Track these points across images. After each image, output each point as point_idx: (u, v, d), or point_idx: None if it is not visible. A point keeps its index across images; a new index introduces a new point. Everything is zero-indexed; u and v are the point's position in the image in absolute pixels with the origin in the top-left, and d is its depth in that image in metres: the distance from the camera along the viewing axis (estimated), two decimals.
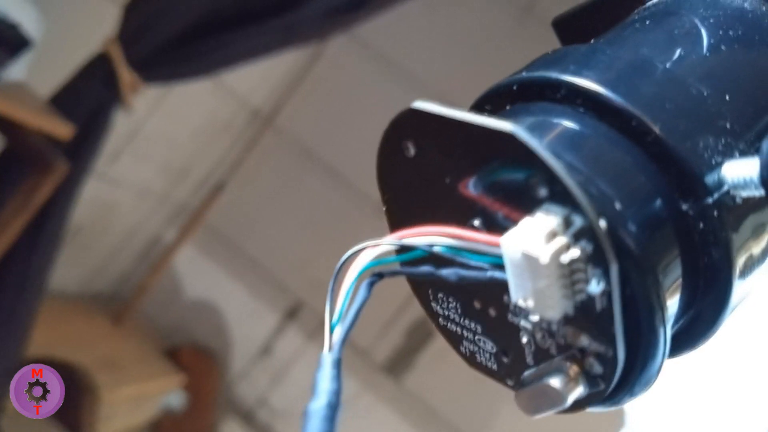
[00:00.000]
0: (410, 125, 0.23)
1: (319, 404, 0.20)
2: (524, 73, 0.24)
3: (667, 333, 0.21)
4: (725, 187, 0.22)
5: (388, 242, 0.23)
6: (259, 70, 1.71)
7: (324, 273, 2.10)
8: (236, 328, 2.19)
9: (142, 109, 1.71)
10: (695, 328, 0.25)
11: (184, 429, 2.05)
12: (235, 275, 2.19)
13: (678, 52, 0.25)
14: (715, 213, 0.22)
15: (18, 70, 1.29)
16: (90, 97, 1.34)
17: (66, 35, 1.48)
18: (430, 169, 0.23)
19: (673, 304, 0.23)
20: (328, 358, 0.21)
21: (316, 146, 2.16)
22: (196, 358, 2.12)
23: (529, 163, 0.20)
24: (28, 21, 1.26)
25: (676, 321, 0.24)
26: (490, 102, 0.25)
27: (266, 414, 2.15)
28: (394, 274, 0.23)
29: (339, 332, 0.22)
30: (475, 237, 0.22)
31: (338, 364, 0.21)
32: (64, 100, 1.32)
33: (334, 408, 0.20)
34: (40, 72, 1.39)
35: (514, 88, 0.24)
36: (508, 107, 0.25)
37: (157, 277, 2.12)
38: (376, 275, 0.23)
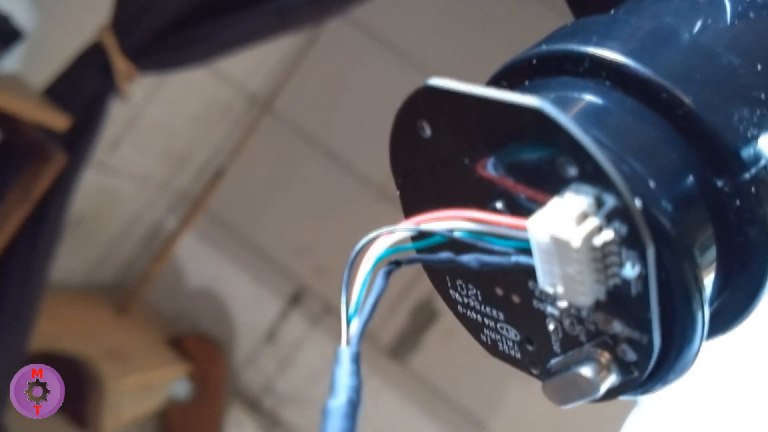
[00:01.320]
0: (425, 104, 0.21)
1: (338, 402, 0.19)
2: (544, 46, 0.23)
3: (705, 317, 0.20)
4: (763, 162, 0.20)
5: (404, 228, 0.21)
6: (255, 55, 1.69)
7: (327, 258, 2.09)
8: (240, 315, 2.19)
9: (139, 97, 1.70)
10: (728, 310, 0.23)
11: (191, 417, 2.04)
12: (238, 262, 2.18)
13: (702, 20, 0.23)
14: (753, 189, 0.20)
15: (11, 62, 1.27)
16: (85, 87, 1.32)
17: (59, 25, 1.46)
18: (447, 150, 0.22)
19: (708, 285, 0.22)
20: (346, 352, 0.20)
21: (315, 130, 2.15)
22: (201, 346, 2.11)
23: (557, 140, 0.18)
24: (20, 12, 1.24)
25: (710, 303, 0.23)
26: (506, 78, 0.24)
27: (272, 400, 2.14)
28: (411, 262, 0.22)
29: (356, 324, 0.20)
30: (499, 220, 0.20)
31: (357, 359, 0.20)
32: (59, 91, 1.31)
33: (354, 405, 0.19)
34: (34, 63, 1.37)
35: (534, 62, 0.23)
36: (526, 83, 0.24)
37: (160, 266, 2.11)
38: (393, 263, 0.22)
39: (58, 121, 1.26)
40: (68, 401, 1.68)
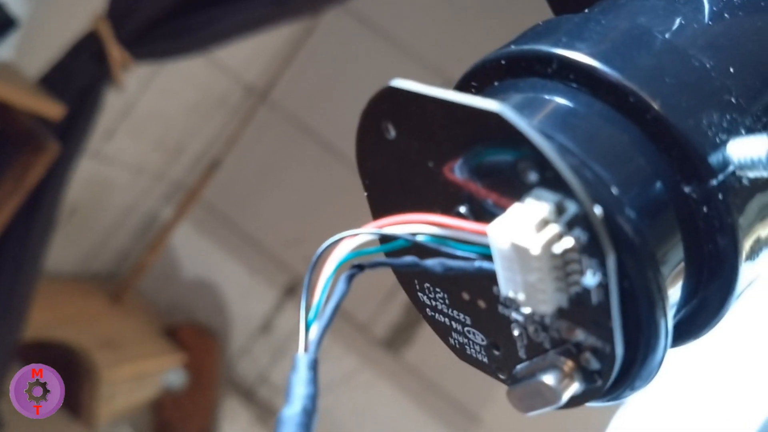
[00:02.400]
0: (389, 105, 0.21)
1: (293, 411, 0.19)
2: (513, 47, 0.22)
3: (668, 326, 0.19)
4: (731, 168, 0.20)
5: (367, 232, 0.21)
6: (251, 45, 1.68)
7: None
8: (235, 305, 2.18)
9: (135, 86, 1.69)
10: (699, 316, 0.23)
11: (185, 407, 2.04)
12: (233, 252, 2.17)
13: (678, 20, 0.23)
14: (720, 196, 0.20)
15: (5, 50, 1.27)
16: (80, 76, 1.32)
17: (53, 13, 1.45)
18: (411, 152, 0.21)
19: (675, 292, 0.21)
20: (303, 359, 0.19)
21: (311, 121, 2.14)
22: (196, 336, 2.11)
23: (518, 145, 0.18)
24: (13, 0, 1.24)
25: (678, 310, 0.22)
26: (476, 78, 0.24)
27: (267, 390, 2.14)
28: (375, 265, 0.21)
29: (315, 330, 0.20)
30: (460, 225, 0.20)
31: (314, 366, 0.19)
32: (53, 80, 1.30)
33: (309, 414, 0.19)
34: (28, 52, 1.36)
35: (502, 62, 0.22)
36: (496, 83, 0.23)
37: (155, 256, 2.11)
38: (355, 267, 0.21)
39: (52, 110, 1.25)
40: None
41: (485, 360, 0.24)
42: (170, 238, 2.14)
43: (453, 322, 0.24)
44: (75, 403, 1.72)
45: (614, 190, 0.19)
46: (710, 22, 0.23)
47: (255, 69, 2.14)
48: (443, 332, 0.25)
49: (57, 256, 1.61)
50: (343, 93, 2.11)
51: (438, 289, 0.24)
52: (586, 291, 0.19)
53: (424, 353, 2.03)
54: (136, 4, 1.33)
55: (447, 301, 0.24)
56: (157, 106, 1.88)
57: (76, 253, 1.99)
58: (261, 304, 2.16)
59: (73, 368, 1.70)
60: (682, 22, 0.23)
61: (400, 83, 0.20)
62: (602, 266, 0.18)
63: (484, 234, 0.19)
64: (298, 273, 2.13)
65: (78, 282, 2.01)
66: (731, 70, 0.21)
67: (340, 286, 0.20)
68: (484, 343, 0.24)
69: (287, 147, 2.15)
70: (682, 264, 0.21)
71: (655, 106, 0.20)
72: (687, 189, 0.20)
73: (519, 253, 0.18)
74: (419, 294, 0.25)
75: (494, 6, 1.97)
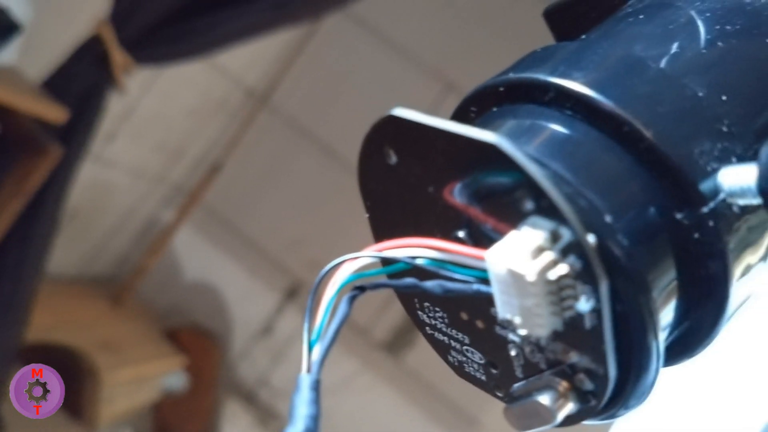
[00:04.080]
0: (390, 132, 0.22)
1: (295, 431, 0.19)
2: (511, 74, 0.23)
3: (660, 349, 0.20)
4: (721, 195, 0.21)
5: (367, 255, 0.22)
6: (252, 49, 1.69)
7: (322, 252, 2.09)
8: (236, 308, 2.19)
9: (136, 90, 1.69)
10: (693, 336, 0.24)
11: (185, 410, 2.05)
12: (234, 255, 2.18)
13: (673, 48, 0.23)
14: (711, 223, 0.20)
15: (8, 54, 1.27)
16: (82, 80, 1.32)
17: (56, 18, 1.46)
18: (412, 177, 0.22)
19: (668, 313, 0.22)
20: (306, 380, 0.20)
21: (311, 124, 2.15)
22: (196, 339, 2.11)
23: (515, 175, 0.19)
24: (16, 4, 1.24)
25: (672, 330, 0.23)
26: (476, 103, 0.24)
27: (267, 394, 2.15)
28: (376, 287, 0.22)
29: (318, 351, 0.21)
30: (459, 250, 0.21)
31: (317, 387, 0.20)
32: (56, 84, 1.31)
33: None
34: (31, 56, 1.37)
35: (501, 89, 0.23)
36: (494, 109, 0.24)
37: (155, 259, 2.11)
38: (357, 289, 0.22)
39: (54, 113, 1.26)
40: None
41: (483, 378, 0.25)
42: (171, 241, 2.14)
43: (452, 341, 0.25)
44: (75, 405, 1.73)
45: (607, 218, 0.19)
46: (705, 50, 0.23)
47: (255, 73, 2.14)
48: (442, 350, 0.26)
49: (58, 259, 1.62)
50: (343, 97, 2.12)
51: (437, 309, 0.24)
52: (580, 315, 0.19)
53: (424, 357, 2.04)
54: (138, 8, 1.34)
55: (446, 321, 0.24)
56: (158, 110, 1.89)
57: (77, 255, 1.99)
58: (261, 307, 2.17)
59: (74, 371, 1.70)
60: (677, 50, 0.23)
61: (401, 112, 0.21)
62: (596, 292, 0.19)
63: (482, 259, 0.20)
64: (298, 276, 2.13)
65: (79, 285, 2.01)
66: (723, 98, 0.22)
67: (342, 307, 0.21)
68: (482, 361, 0.24)
69: (287, 150, 2.16)
70: (675, 286, 0.22)
71: (649, 135, 0.20)
72: (679, 215, 0.21)
73: (515, 278, 0.19)
74: (419, 313, 0.25)
75: (494, 10, 1.98)
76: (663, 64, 0.23)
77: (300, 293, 2.13)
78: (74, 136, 1.32)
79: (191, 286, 2.21)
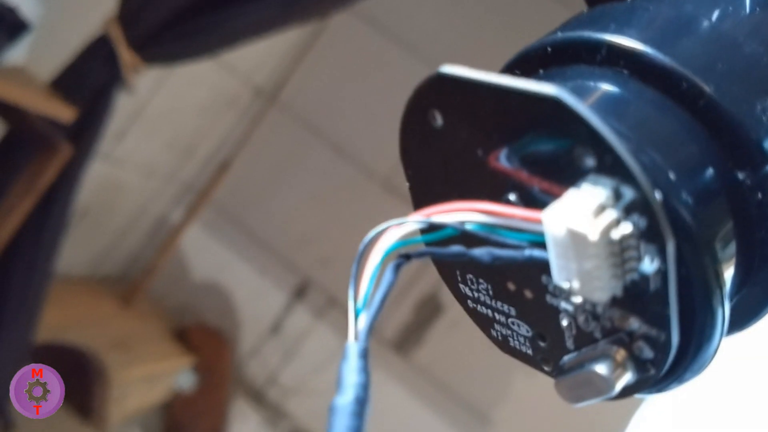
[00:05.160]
0: (437, 93, 0.21)
1: (346, 399, 0.18)
2: (559, 34, 0.22)
3: (726, 315, 0.19)
4: None
5: (414, 221, 0.21)
6: (261, 47, 1.68)
7: (332, 250, 2.09)
8: (245, 307, 2.18)
9: (146, 88, 1.69)
10: (747, 307, 0.23)
11: (196, 408, 2.04)
12: (243, 253, 2.17)
13: (722, 8, 0.23)
14: None
15: (18, 53, 1.27)
16: (92, 79, 1.32)
17: (65, 17, 1.46)
18: (459, 140, 0.21)
19: (727, 281, 0.21)
20: (354, 348, 0.19)
21: (320, 122, 2.14)
22: (206, 338, 2.11)
23: (574, 131, 0.18)
24: (26, 4, 1.24)
25: (729, 299, 0.22)
26: (520, 67, 0.23)
27: (277, 392, 2.14)
28: (422, 255, 0.21)
29: (364, 320, 0.20)
30: (513, 213, 0.20)
31: (365, 354, 0.19)
32: (65, 83, 1.30)
33: (362, 403, 0.18)
34: (41, 55, 1.37)
35: (549, 50, 0.22)
36: (540, 72, 0.23)
37: (166, 257, 2.11)
38: (402, 257, 0.21)
39: (64, 112, 1.25)
40: (73, 392, 1.68)
41: (530, 352, 0.24)
42: (181, 240, 2.14)
43: (496, 314, 0.24)
44: (86, 404, 1.73)
45: (672, 176, 0.18)
46: (756, 9, 0.23)
47: (264, 71, 2.14)
48: (485, 324, 0.25)
49: (69, 258, 1.61)
50: (352, 94, 2.11)
51: (481, 280, 0.24)
52: (643, 278, 0.18)
53: (434, 354, 2.03)
54: (147, 7, 1.33)
55: (490, 293, 0.24)
56: (167, 108, 1.89)
57: (87, 255, 1.99)
58: (271, 306, 2.16)
59: (84, 370, 1.70)
60: (729, 9, 0.22)
61: (450, 69, 0.20)
62: (661, 252, 0.18)
63: (538, 221, 0.19)
64: (307, 274, 2.13)
65: (89, 284, 2.01)
66: None
67: (388, 275, 0.20)
68: (529, 334, 0.23)
69: (297, 148, 2.15)
70: (735, 250, 0.21)
71: (708, 91, 0.20)
72: (740, 175, 0.20)
73: (575, 239, 0.18)
74: (461, 286, 0.25)
75: (504, 7, 1.97)
76: (716, 22, 0.22)
77: (309, 291, 2.13)
78: (84, 135, 1.32)
79: (201, 285, 2.21)
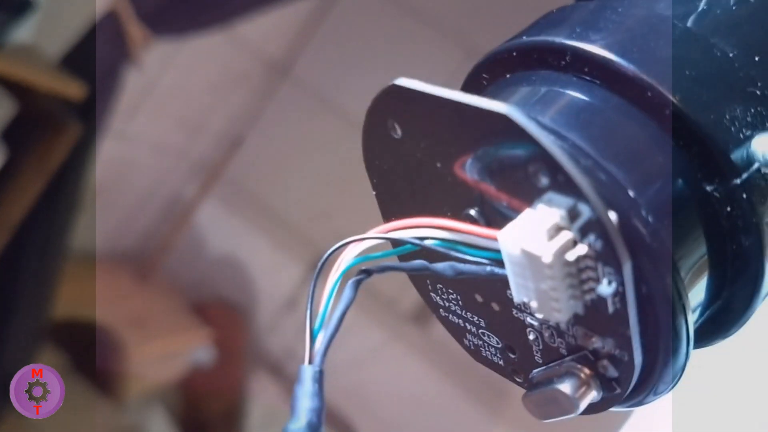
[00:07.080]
0: (394, 104, 0.20)
1: (298, 425, 0.18)
2: (524, 37, 0.21)
3: (690, 331, 0.18)
4: (755, 165, 0.19)
5: (373, 237, 0.20)
6: (272, 20, 1.67)
7: (347, 223, 2.08)
8: (262, 281, 2.19)
9: (156, 65, 1.68)
10: (726, 316, 0.22)
11: (214, 383, 2.06)
12: (258, 228, 2.17)
13: (701, 5, 0.22)
14: (744, 195, 0.19)
15: (25, 32, 1.26)
16: (100, 56, 1.32)
17: None
18: (419, 151, 0.20)
19: (698, 292, 0.21)
20: (308, 371, 0.19)
21: (334, 95, 2.12)
22: (223, 313, 2.12)
23: (528, 147, 0.17)
24: None
25: (704, 310, 0.21)
26: (487, 70, 0.23)
27: (295, 365, 2.14)
28: (383, 270, 0.21)
29: (321, 340, 0.19)
30: (470, 230, 0.19)
31: (320, 378, 0.19)
32: (73, 61, 1.30)
33: (314, 429, 0.18)
34: (48, 33, 1.36)
35: (514, 54, 0.21)
36: (507, 75, 0.22)
37: (181, 234, 2.12)
38: (363, 272, 0.20)
39: (73, 90, 1.25)
40: (91, 368, 1.70)
41: (501, 363, 0.23)
42: (195, 216, 2.14)
43: (467, 324, 0.23)
44: (104, 381, 1.74)
45: (631, 193, 0.18)
46: (734, 7, 0.22)
47: (276, 44, 2.12)
48: (458, 333, 0.24)
49: (83, 237, 1.62)
50: (366, 65, 2.09)
51: (450, 291, 0.23)
52: (601, 299, 0.18)
53: None
54: None
55: (460, 303, 0.23)
56: (178, 84, 1.88)
57: (102, 232, 2.00)
58: (287, 280, 2.16)
59: (102, 346, 1.71)
60: (705, 7, 0.21)
61: (405, 82, 0.19)
62: (618, 274, 0.17)
63: (494, 239, 0.18)
64: (323, 248, 2.10)
65: (105, 262, 2.02)
66: (756, 58, 0.20)
67: (347, 292, 0.20)
68: (500, 345, 0.23)
69: (310, 121, 2.14)
70: (705, 263, 0.20)
71: (674, 100, 0.19)
72: (709, 188, 0.19)
73: (530, 260, 0.17)
74: (432, 295, 0.24)
75: None
76: (690, 22, 0.21)
77: (324, 265, 2.13)
78: (94, 113, 1.32)
79: (217, 261, 2.22)
